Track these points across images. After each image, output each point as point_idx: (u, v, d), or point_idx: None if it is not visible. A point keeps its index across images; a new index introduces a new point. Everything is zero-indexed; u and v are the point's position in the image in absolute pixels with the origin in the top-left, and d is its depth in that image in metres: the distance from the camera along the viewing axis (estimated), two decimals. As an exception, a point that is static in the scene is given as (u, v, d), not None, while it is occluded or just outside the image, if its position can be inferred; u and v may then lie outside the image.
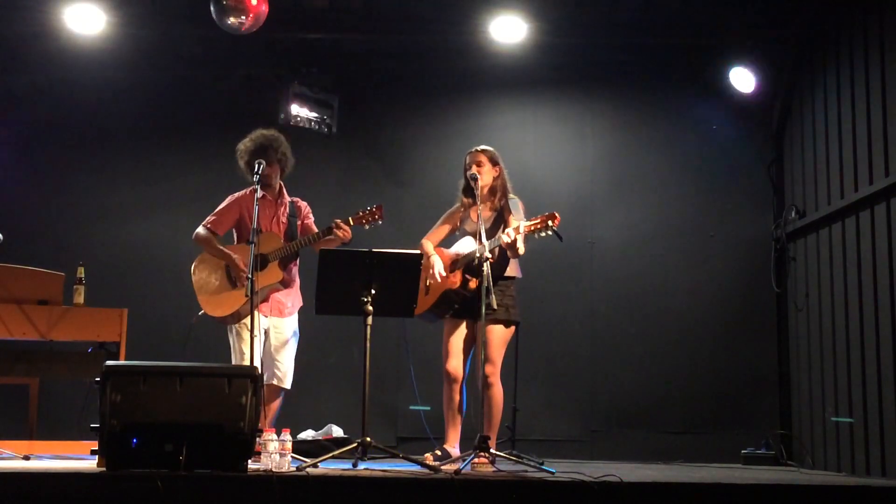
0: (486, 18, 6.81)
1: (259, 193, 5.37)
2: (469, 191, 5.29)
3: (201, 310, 5.34)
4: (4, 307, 5.43)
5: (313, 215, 5.55)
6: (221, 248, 5.35)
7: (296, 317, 5.43)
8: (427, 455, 5.00)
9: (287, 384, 5.31)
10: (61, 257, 6.15)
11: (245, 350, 5.20)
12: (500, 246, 4.98)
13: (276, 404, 5.29)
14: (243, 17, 6.07)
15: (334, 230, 5.11)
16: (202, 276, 5.39)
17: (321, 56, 7.35)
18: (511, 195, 5.35)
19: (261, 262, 5.20)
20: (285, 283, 5.32)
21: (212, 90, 7.49)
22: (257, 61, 7.42)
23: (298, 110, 7.14)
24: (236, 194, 5.49)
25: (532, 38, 6.91)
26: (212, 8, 6.09)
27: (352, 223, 5.14)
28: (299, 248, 5.30)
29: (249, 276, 4.73)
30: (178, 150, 7.45)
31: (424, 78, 7.54)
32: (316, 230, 5.37)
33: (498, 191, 5.35)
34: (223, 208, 5.46)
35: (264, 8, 6.10)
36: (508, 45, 6.97)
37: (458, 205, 5.50)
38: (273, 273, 5.22)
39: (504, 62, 7.18)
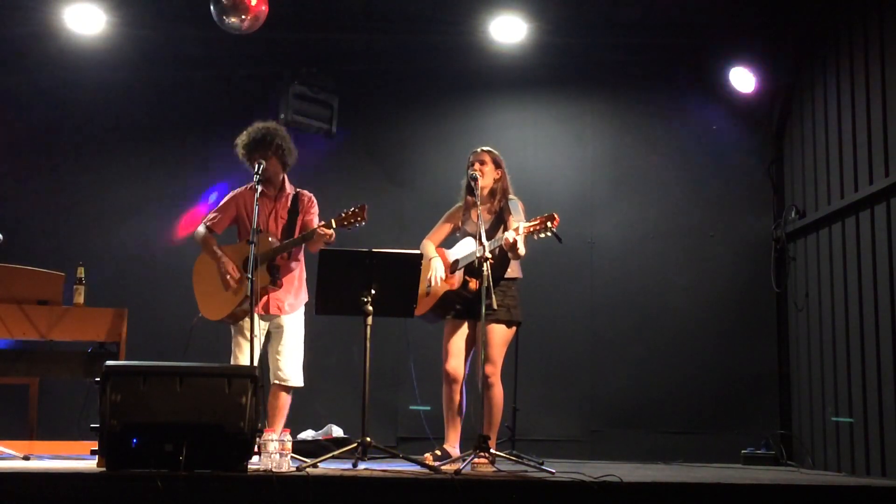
0: (486, 18, 6.82)
1: (258, 190, 5.37)
2: (470, 190, 5.28)
3: (199, 312, 5.34)
4: (4, 307, 5.43)
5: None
6: (215, 249, 5.31)
7: (299, 313, 5.34)
8: (427, 455, 5.00)
9: (292, 381, 5.23)
10: (61, 257, 6.15)
11: (238, 354, 5.23)
12: (500, 247, 4.97)
13: (282, 403, 5.22)
14: (243, 17, 6.07)
15: (317, 233, 5.03)
16: (200, 278, 5.38)
17: (321, 56, 7.35)
18: (511, 196, 5.34)
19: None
20: (279, 283, 5.23)
21: (212, 90, 7.49)
22: (257, 61, 7.42)
23: (298, 110, 7.14)
24: (235, 191, 5.44)
25: (532, 38, 6.92)
26: (212, 8, 6.09)
27: (334, 225, 5.01)
28: (289, 249, 5.23)
29: (249, 276, 4.72)
30: (178, 150, 7.45)
31: (424, 78, 7.54)
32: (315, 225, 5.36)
33: (497, 193, 5.33)
34: (221, 206, 5.43)
35: (264, 8, 6.10)
36: (508, 45, 6.97)
37: (458, 204, 5.49)
38: (261, 277, 5.06)
39: (504, 62, 7.18)
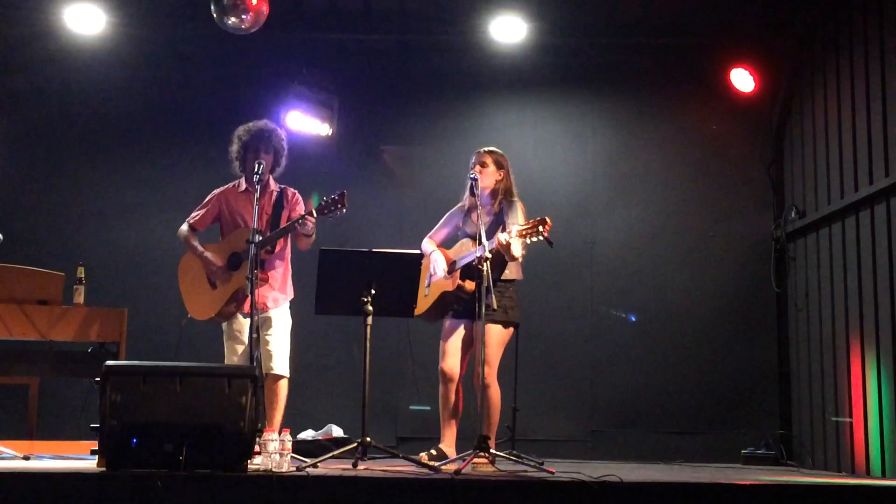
0: (486, 18, 6.82)
1: (242, 187, 5.38)
2: (472, 191, 5.27)
3: (189, 314, 5.35)
4: (4, 307, 5.43)
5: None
6: (197, 246, 5.33)
7: (285, 308, 5.34)
8: (422, 454, 4.99)
9: (279, 369, 5.19)
10: (61, 257, 6.15)
11: (231, 356, 5.24)
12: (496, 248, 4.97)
13: (278, 395, 5.19)
14: (244, 17, 6.07)
15: (298, 223, 5.00)
16: (185, 279, 5.40)
17: (321, 56, 7.35)
18: (514, 198, 5.33)
19: (236, 262, 5.16)
20: (265, 277, 5.20)
21: (212, 90, 7.49)
22: (257, 61, 7.42)
23: (298, 110, 7.14)
24: (219, 189, 5.46)
25: (532, 38, 6.92)
26: (212, 8, 6.09)
27: (315, 215, 4.97)
28: (272, 242, 5.19)
29: (249, 276, 4.73)
30: (178, 150, 7.45)
31: (424, 78, 7.54)
32: None
33: (500, 194, 5.31)
34: (204, 203, 5.45)
35: (264, 7, 6.10)
36: (508, 45, 6.98)
37: (460, 204, 5.49)
38: (243, 275, 5.03)
39: (504, 62, 7.18)
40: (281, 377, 5.23)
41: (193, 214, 5.43)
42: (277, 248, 5.29)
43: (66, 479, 3.82)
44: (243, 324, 5.19)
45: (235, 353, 5.23)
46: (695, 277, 7.22)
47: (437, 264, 5.28)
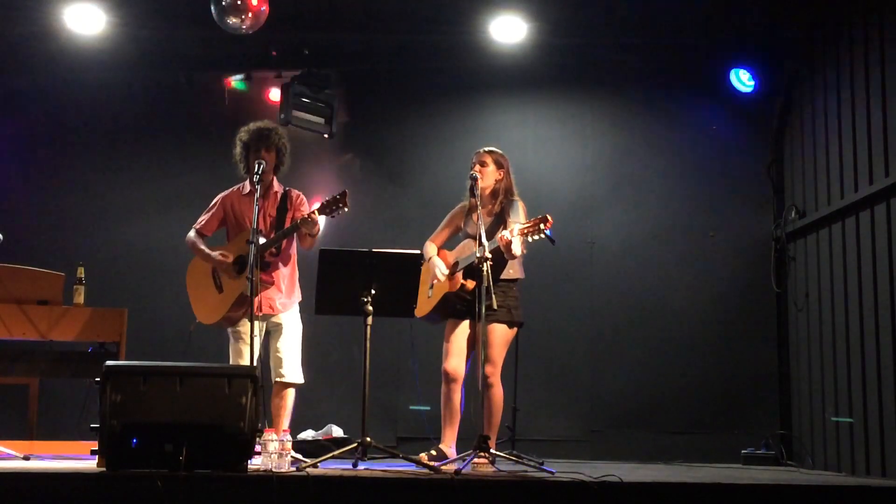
0: (486, 18, 6.82)
1: (246, 189, 5.38)
2: (472, 191, 5.28)
3: (197, 318, 5.35)
4: (4, 307, 5.43)
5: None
6: (204, 248, 5.33)
7: (294, 311, 5.34)
8: (422, 455, 4.99)
9: (291, 378, 5.20)
10: (61, 257, 6.16)
11: (237, 359, 5.22)
12: (498, 247, 4.97)
13: (285, 401, 5.20)
14: (244, 17, 6.07)
15: (301, 223, 4.99)
16: (193, 282, 5.41)
17: (321, 56, 7.35)
18: (514, 197, 5.34)
19: (242, 264, 5.12)
20: (270, 279, 5.20)
21: (211, 90, 7.49)
22: (257, 61, 7.42)
23: (298, 110, 7.14)
24: (223, 193, 5.46)
25: (532, 38, 6.92)
26: (212, 8, 6.09)
27: (317, 214, 4.97)
28: (277, 244, 5.18)
29: (250, 276, 4.72)
30: (178, 150, 7.46)
31: (424, 78, 7.53)
32: None
33: (500, 194, 5.32)
34: (209, 208, 5.45)
35: (264, 8, 6.10)
36: (508, 45, 6.97)
37: (461, 204, 5.49)
38: (245, 277, 5.01)
39: (504, 62, 7.18)
40: (291, 384, 5.22)
41: (199, 220, 5.44)
42: (282, 250, 5.29)
43: (66, 479, 3.82)
44: (255, 325, 5.17)
45: (241, 356, 5.20)
46: (695, 277, 7.21)
47: (438, 268, 5.28)
